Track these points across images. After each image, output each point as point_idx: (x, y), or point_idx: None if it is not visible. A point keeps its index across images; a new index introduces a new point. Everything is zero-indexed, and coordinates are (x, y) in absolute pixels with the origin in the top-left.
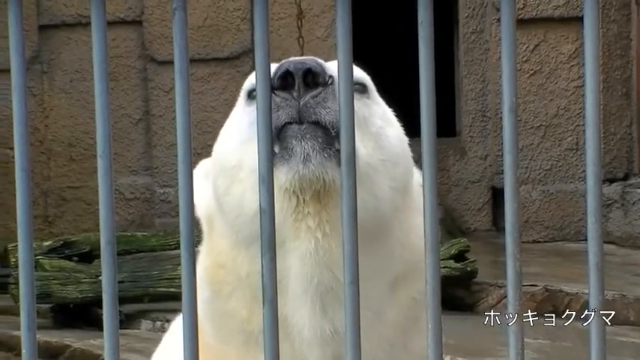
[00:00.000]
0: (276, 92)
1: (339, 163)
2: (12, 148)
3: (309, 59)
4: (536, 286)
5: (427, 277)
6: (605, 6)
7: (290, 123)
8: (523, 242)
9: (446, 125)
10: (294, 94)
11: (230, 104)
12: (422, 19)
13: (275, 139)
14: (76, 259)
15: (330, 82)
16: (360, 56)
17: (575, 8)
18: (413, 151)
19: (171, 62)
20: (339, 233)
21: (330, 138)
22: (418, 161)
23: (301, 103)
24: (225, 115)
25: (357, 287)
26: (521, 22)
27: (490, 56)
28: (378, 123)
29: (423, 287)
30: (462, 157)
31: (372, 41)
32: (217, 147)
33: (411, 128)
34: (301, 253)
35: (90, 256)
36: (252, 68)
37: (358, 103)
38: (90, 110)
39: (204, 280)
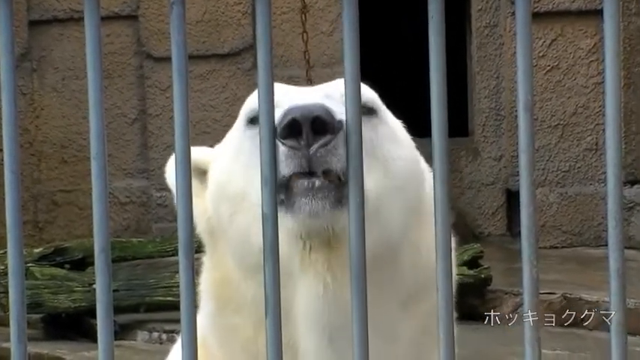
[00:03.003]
0: (282, 141)
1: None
2: (0, 150)
3: (317, 106)
4: (553, 294)
5: (439, 285)
6: None
7: (299, 173)
8: (540, 248)
9: (458, 124)
10: (302, 142)
11: (231, 103)
12: (432, 12)
13: (282, 187)
14: (68, 266)
15: (339, 127)
16: (369, 52)
17: (594, 1)
18: (423, 151)
19: (168, 59)
20: (348, 279)
21: (341, 186)
22: (429, 163)
23: (311, 152)
24: (225, 115)
25: (367, 348)
26: (537, 16)
27: (504, 52)
28: (387, 146)
29: (435, 300)
30: (474, 158)
31: (381, 37)
32: (217, 165)
33: (421, 127)
34: (310, 293)
35: (83, 263)
36: (254, 65)
37: (366, 127)
38: (83, 110)
39: (209, 293)
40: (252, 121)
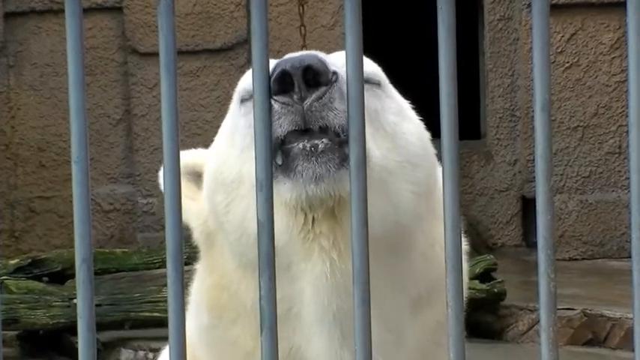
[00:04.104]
0: (275, 98)
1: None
2: None
3: (307, 55)
4: (573, 310)
5: (448, 299)
6: None
7: (294, 131)
8: (558, 260)
9: (469, 126)
10: (295, 97)
11: (223, 102)
12: (441, 3)
13: (277, 150)
14: (46, 279)
15: (334, 79)
16: (371, 50)
17: None
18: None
19: (156, 54)
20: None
21: (342, 144)
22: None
23: (305, 106)
24: (217, 115)
25: (369, 308)
26: (556, 8)
27: (520, 47)
28: (393, 119)
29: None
30: (487, 163)
31: (385, 33)
32: (212, 157)
33: (430, 130)
34: (315, 276)
35: (62, 276)
36: (248, 61)
37: (369, 95)
38: (63, 109)
39: (203, 304)
40: (246, 100)
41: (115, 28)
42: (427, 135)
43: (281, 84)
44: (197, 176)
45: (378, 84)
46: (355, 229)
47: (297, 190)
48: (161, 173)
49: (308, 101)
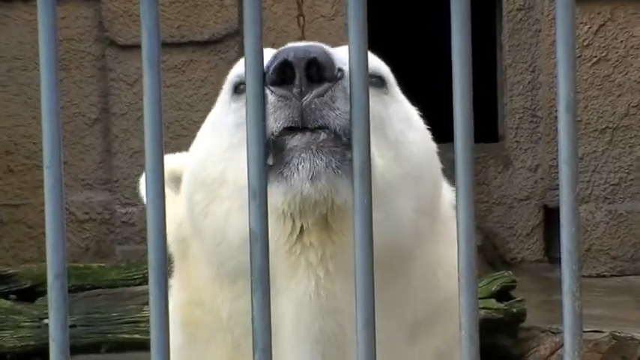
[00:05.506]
0: (272, 88)
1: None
2: None
3: (313, 46)
4: (600, 332)
5: (462, 321)
6: None
7: (290, 128)
8: (584, 276)
9: (485, 128)
10: (295, 90)
11: (211, 100)
12: None
13: (270, 148)
14: (14, 297)
15: (339, 75)
16: (377, 45)
17: None
18: (444, 159)
19: (137, 47)
20: (345, 271)
21: (342, 147)
22: (450, 173)
23: (304, 102)
24: (205, 114)
25: (373, 331)
26: None
27: (542, 40)
28: (398, 126)
29: (450, 335)
30: (506, 168)
31: (393, 29)
32: (194, 152)
33: (441, 132)
34: (298, 295)
35: (32, 293)
36: (239, 55)
37: (374, 100)
38: (33, 108)
39: (177, 321)
40: (238, 89)
41: (91, 18)
42: (433, 147)
43: (280, 74)
44: (177, 181)
45: (384, 84)
46: (358, 244)
47: (291, 191)
48: (142, 179)
49: (308, 97)
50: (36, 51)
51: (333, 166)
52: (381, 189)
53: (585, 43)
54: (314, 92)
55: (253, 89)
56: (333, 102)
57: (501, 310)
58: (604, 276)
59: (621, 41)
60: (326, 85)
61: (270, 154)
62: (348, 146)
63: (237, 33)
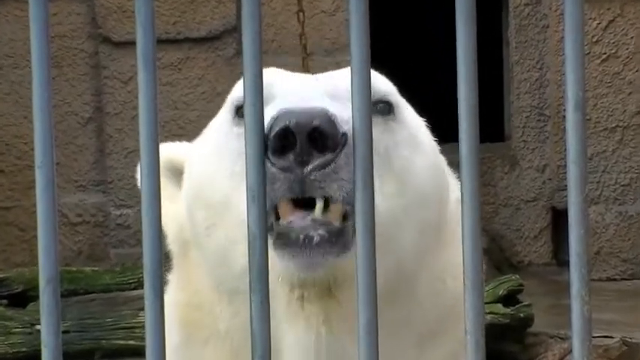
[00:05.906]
0: (272, 160)
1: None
2: None
3: (317, 112)
4: (611, 337)
5: (467, 325)
6: None
7: (290, 199)
8: (593, 280)
9: (492, 127)
10: (296, 158)
11: (208, 99)
12: None
13: (271, 213)
14: (5, 302)
15: (343, 141)
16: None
17: None
18: (447, 159)
19: (132, 44)
20: (349, 330)
21: (345, 225)
22: (455, 168)
23: (305, 171)
24: (202, 114)
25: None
26: None
27: (549, 36)
28: (404, 152)
29: (462, 337)
30: (512, 169)
31: (396, 23)
32: (195, 159)
33: (445, 131)
34: (296, 343)
35: (24, 298)
36: (237, 52)
37: (380, 129)
38: (24, 107)
39: (174, 320)
40: (240, 113)
41: (84, 14)
42: (441, 160)
43: (281, 139)
44: (177, 173)
45: (391, 110)
46: (362, 297)
47: (289, 272)
48: (138, 175)
49: (309, 167)
50: (27, 48)
51: (332, 256)
52: (384, 230)
53: (594, 40)
54: (316, 163)
55: (252, 114)
56: (337, 173)
57: (508, 314)
58: (614, 279)
59: (631, 37)
60: (329, 156)
61: (272, 215)
62: (351, 214)
63: (235, 29)
